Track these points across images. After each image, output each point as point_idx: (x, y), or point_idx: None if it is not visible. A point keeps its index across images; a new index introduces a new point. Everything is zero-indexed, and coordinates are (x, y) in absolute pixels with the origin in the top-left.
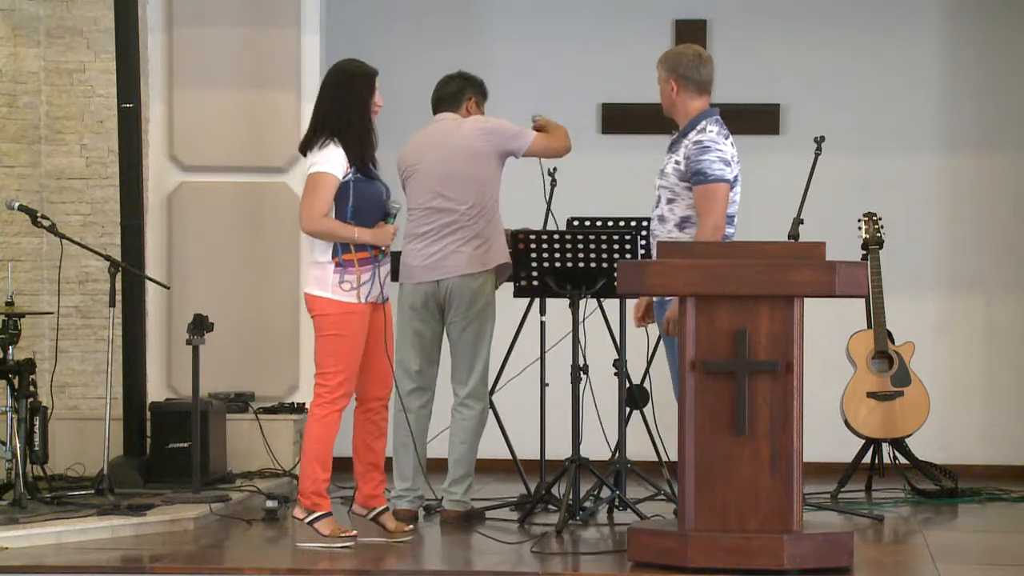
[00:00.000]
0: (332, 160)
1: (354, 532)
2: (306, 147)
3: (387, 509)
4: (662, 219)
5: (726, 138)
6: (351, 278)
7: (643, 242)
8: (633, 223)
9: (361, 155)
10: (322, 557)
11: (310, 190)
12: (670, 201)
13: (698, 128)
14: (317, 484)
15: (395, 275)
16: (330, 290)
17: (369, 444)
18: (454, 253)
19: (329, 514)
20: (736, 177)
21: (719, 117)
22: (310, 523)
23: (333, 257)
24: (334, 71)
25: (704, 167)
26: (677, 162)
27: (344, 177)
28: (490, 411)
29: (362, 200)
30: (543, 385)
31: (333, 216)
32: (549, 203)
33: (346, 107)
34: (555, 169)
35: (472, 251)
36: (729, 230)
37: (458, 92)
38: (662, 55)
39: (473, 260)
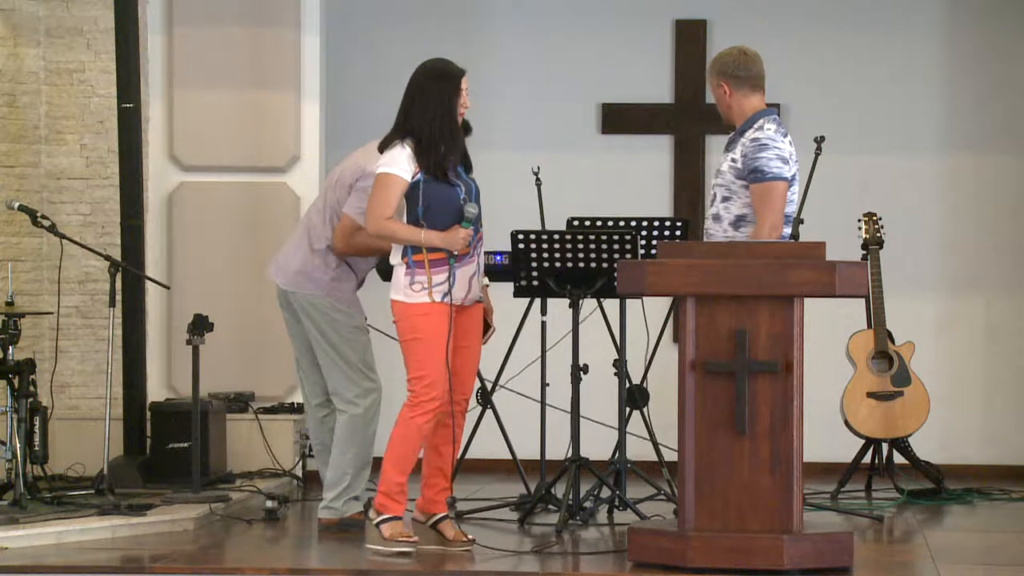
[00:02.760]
0: (397, 161)
1: (415, 538)
2: (384, 145)
3: (447, 516)
4: (717, 218)
5: (784, 136)
6: (422, 279)
7: (643, 242)
8: (633, 223)
9: (436, 159)
10: (327, 557)
11: (375, 191)
12: (725, 199)
13: (755, 126)
14: (388, 486)
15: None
16: (402, 293)
17: (438, 448)
18: None
19: (396, 518)
20: (794, 176)
21: (777, 116)
22: (377, 525)
23: (403, 258)
24: (422, 71)
25: (761, 165)
26: (734, 160)
27: (413, 178)
28: (491, 411)
29: (433, 202)
30: (543, 385)
31: (404, 218)
32: (541, 204)
33: (428, 109)
34: (539, 168)
35: None
36: (786, 230)
37: None
38: (710, 63)
39: None
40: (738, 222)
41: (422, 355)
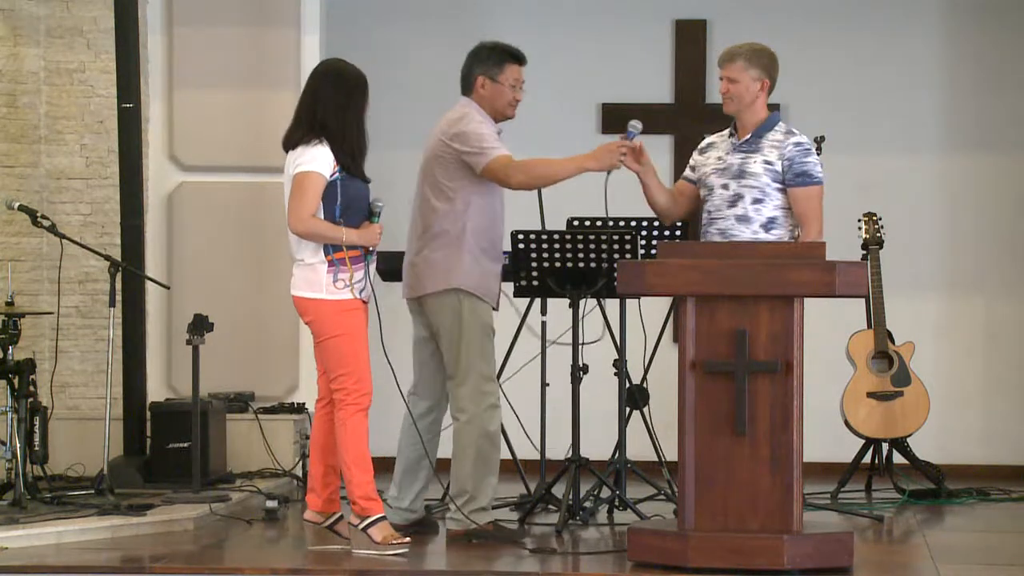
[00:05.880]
0: (319, 159)
1: (407, 539)
2: (291, 143)
3: (342, 516)
4: (744, 219)
5: None
6: (344, 276)
7: (643, 242)
8: (633, 223)
9: (353, 156)
10: (326, 557)
11: (299, 191)
12: (757, 201)
13: (779, 129)
14: (363, 488)
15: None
16: (324, 290)
17: (330, 447)
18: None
19: (383, 518)
20: None
21: None
22: (363, 529)
23: (325, 255)
24: (330, 72)
25: (809, 169)
26: (768, 162)
27: (331, 176)
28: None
29: (350, 199)
30: (543, 385)
31: (322, 215)
32: (541, 204)
33: (344, 108)
34: None
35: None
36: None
37: (466, 75)
38: (748, 52)
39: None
40: (770, 224)
41: (348, 351)
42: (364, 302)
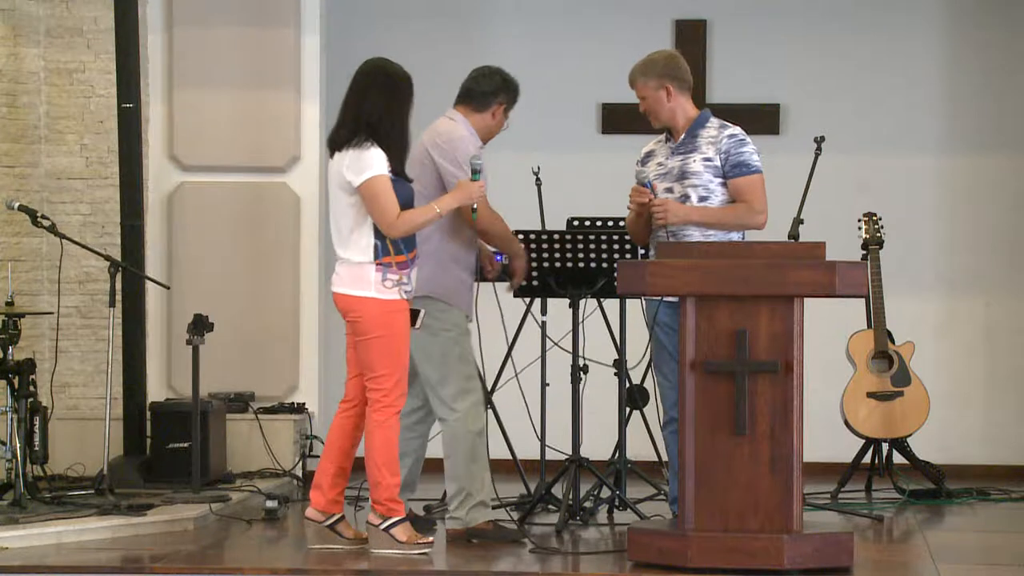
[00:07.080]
0: (377, 161)
1: (431, 539)
2: (338, 144)
3: (343, 517)
4: None
5: None
6: (393, 276)
7: None
8: None
9: (401, 158)
10: (326, 557)
11: (376, 197)
12: (703, 199)
13: (710, 125)
14: (390, 490)
15: None
16: (372, 289)
17: (347, 451)
18: None
19: (405, 519)
20: None
21: None
22: (386, 529)
23: (375, 259)
24: (377, 72)
25: (746, 159)
26: (707, 159)
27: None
28: (491, 411)
29: (404, 200)
30: (543, 385)
31: (371, 221)
32: (541, 204)
33: (391, 111)
34: (539, 168)
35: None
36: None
37: (485, 94)
38: (640, 68)
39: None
40: None
41: (393, 351)
42: (409, 304)
